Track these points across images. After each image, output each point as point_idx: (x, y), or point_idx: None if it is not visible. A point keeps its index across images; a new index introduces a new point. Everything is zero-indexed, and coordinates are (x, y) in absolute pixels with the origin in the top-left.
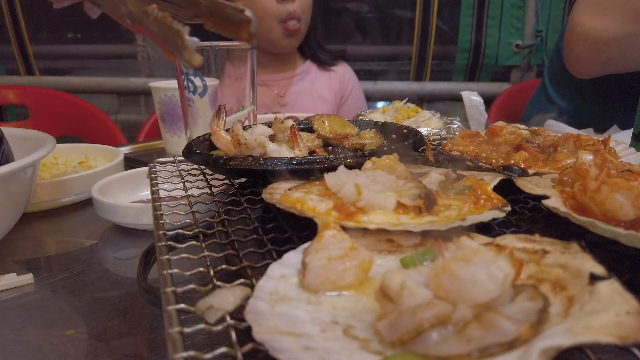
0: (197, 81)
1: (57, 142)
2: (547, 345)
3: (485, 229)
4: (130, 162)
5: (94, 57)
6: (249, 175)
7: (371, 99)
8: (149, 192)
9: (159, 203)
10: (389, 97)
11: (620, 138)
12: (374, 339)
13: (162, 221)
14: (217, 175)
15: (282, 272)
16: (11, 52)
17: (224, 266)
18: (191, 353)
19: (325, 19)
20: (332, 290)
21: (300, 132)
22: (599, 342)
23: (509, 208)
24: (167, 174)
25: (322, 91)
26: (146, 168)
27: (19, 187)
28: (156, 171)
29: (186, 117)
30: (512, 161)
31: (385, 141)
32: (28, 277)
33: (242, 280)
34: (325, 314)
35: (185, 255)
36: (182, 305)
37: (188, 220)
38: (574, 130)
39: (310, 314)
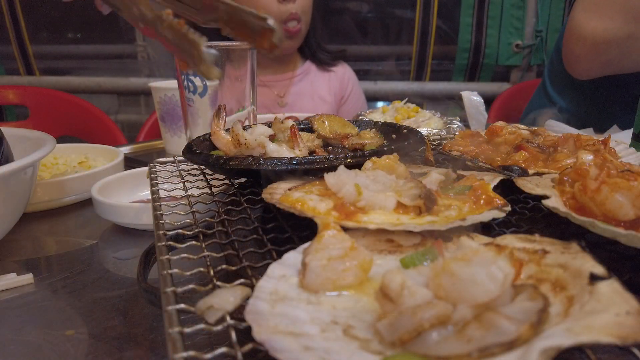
0: (197, 81)
1: (57, 142)
2: (547, 345)
3: (485, 229)
4: (130, 162)
5: (94, 57)
6: (249, 175)
7: (371, 99)
8: (149, 192)
9: (159, 203)
10: (389, 97)
11: (620, 138)
12: (374, 339)
13: (162, 221)
14: (217, 175)
15: (282, 272)
16: (11, 52)
17: (224, 266)
18: (191, 353)
19: (325, 19)
20: (332, 290)
21: (300, 132)
22: (599, 342)
23: (509, 208)
24: (167, 174)
25: (322, 92)
26: (146, 168)
27: (19, 187)
28: (156, 171)
29: (186, 117)
30: (512, 161)
31: (385, 141)
32: (28, 277)
33: (242, 280)
34: (325, 314)
35: (185, 255)
36: (182, 305)
37: (188, 220)
38: (574, 130)
39: (310, 314)
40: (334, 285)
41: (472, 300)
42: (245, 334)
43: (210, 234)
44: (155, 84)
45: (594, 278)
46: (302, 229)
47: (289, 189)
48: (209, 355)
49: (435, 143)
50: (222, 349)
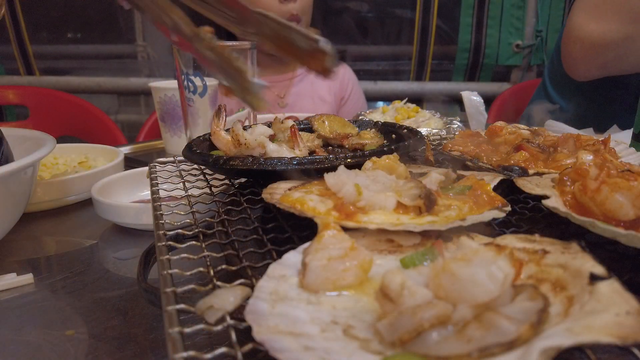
0: (197, 81)
1: (57, 142)
2: (547, 345)
3: (485, 229)
4: (130, 162)
5: (94, 57)
6: (249, 175)
7: (371, 99)
8: (149, 192)
9: (159, 203)
10: (389, 97)
11: (620, 138)
12: (374, 339)
13: (162, 221)
14: (217, 175)
15: (282, 272)
16: (11, 52)
17: (224, 266)
18: (191, 353)
19: (325, 19)
20: (332, 290)
21: (300, 132)
22: (599, 342)
23: (509, 208)
24: (167, 174)
25: (322, 92)
26: (146, 168)
27: (19, 187)
28: (156, 171)
29: (186, 117)
30: (512, 161)
31: (385, 141)
32: (28, 277)
33: (242, 280)
34: (325, 314)
35: (185, 255)
36: (182, 305)
37: (188, 220)
38: (574, 130)
39: (310, 314)
40: (334, 285)
41: (472, 300)
42: (245, 334)
43: (210, 234)
44: (155, 84)
45: (594, 278)
46: (302, 229)
47: (289, 189)
48: (209, 355)
49: (435, 143)
50: (222, 349)
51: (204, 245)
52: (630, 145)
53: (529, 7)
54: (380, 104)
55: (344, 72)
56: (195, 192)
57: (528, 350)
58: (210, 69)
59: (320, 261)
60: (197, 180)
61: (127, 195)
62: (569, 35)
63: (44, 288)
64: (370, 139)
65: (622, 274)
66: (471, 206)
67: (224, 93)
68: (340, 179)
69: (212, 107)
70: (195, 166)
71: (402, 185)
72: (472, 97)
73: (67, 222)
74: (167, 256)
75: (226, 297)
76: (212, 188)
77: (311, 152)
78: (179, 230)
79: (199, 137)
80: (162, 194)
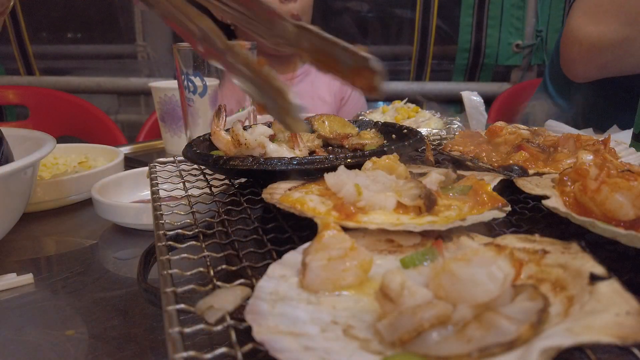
0: (197, 81)
1: (57, 142)
2: (547, 345)
3: (485, 229)
4: (130, 162)
5: (94, 57)
6: (249, 175)
7: (371, 99)
8: (149, 192)
9: (159, 203)
10: (389, 97)
11: (620, 138)
12: (374, 339)
13: (162, 221)
14: (217, 175)
15: (282, 272)
16: (11, 52)
17: (224, 266)
18: (191, 353)
19: (325, 19)
20: (332, 290)
21: (300, 132)
22: (599, 342)
23: (509, 208)
24: (167, 174)
25: (322, 93)
26: (146, 168)
27: (19, 187)
28: (156, 171)
29: (186, 117)
30: (512, 161)
31: (385, 141)
32: (28, 277)
33: (242, 280)
34: (325, 314)
35: (185, 255)
36: (182, 305)
37: (188, 220)
38: (574, 130)
39: (310, 314)
40: (334, 285)
41: (472, 300)
42: (245, 334)
43: (210, 234)
44: (155, 84)
45: (594, 278)
46: (302, 229)
47: (289, 189)
48: (209, 355)
49: (435, 143)
50: (222, 349)
51: (204, 245)
52: (630, 145)
53: (529, 7)
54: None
55: None
56: (195, 192)
57: (528, 350)
58: (243, 84)
59: (320, 261)
60: (197, 180)
61: (127, 195)
62: (567, 37)
63: (44, 288)
64: (370, 139)
65: (622, 274)
66: (471, 206)
67: (259, 111)
68: (340, 179)
69: (212, 107)
70: (195, 166)
71: (402, 185)
72: (472, 97)
73: (67, 222)
74: (167, 256)
75: (226, 297)
76: (212, 188)
77: (311, 152)
78: (179, 230)
79: (199, 137)
80: (162, 194)
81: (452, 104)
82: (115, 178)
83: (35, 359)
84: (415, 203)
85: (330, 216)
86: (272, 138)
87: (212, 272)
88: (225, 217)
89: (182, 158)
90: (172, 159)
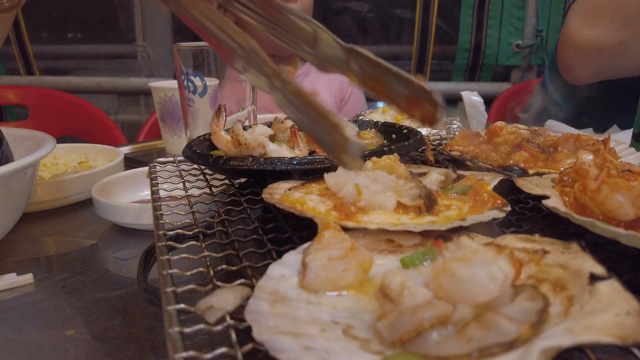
0: (197, 81)
1: (57, 142)
2: (547, 345)
3: (485, 229)
4: (130, 162)
5: (94, 57)
6: (249, 175)
7: (371, 99)
8: (149, 192)
9: (159, 203)
10: None
11: (620, 138)
12: (374, 339)
13: (162, 221)
14: (217, 175)
15: (282, 272)
16: (11, 52)
17: (224, 266)
18: (191, 353)
19: (325, 19)
20: (332, 290)
21: (300, 132)
22: (599, 342)
23: (509, 208)
24: (167, 174)
25: (323, 93)
26: (146, 168)
27: (19, 187)
28: (156, 171)
29: (186, 117)
30: (512, 161)
31: (385, 141)
32: (28, 277)
33: (242, 280)
34: (325, 314)
35: (185, 255)
36: (182, 305)
37: (188, 220)
38: (574, 130)
39: (310, 314)
40: (334, 285)
41: (472, 300)
42: (245, 334)
43: (210, 234)
44: (155, 84)
45: (594, 278)
46: (302, 229)
47: (289, 189)
48: (209, 355)
49: (435, 143)
50: (222, 349)
51: (204, 245)
52: (630, 145)
53: (529, 7)
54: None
55: None
56: (195, 192)
57: (528, 350)
58: (290, 113)
59: (320, 261)
60: (197, 180)
61: (127, 195)
62: (564, 40)
63: (44, 288)
64: (370, 139)
65: (622, 274)
66: (471, 206)
67: (308, 142)
68: (341, 179)
69: (212, 107)
70: (195, 166)
71: (402, 185)
72: (472, 97)
73: (67, 222)
74: (167, 256)
75: (226, 297)
76: (212, 188)
77: (311, 152)
78: (179, 230)
79: (199, 137)
80: (162, 194)
81: (452, 104)
82: (115, 178)
83: (35, 359)
84: (415, 203)
85: (330, 216)
86: (272, 138)
87: (212, 272)
88: (225, 217)
89: (182, 158)
90: (172, 159)
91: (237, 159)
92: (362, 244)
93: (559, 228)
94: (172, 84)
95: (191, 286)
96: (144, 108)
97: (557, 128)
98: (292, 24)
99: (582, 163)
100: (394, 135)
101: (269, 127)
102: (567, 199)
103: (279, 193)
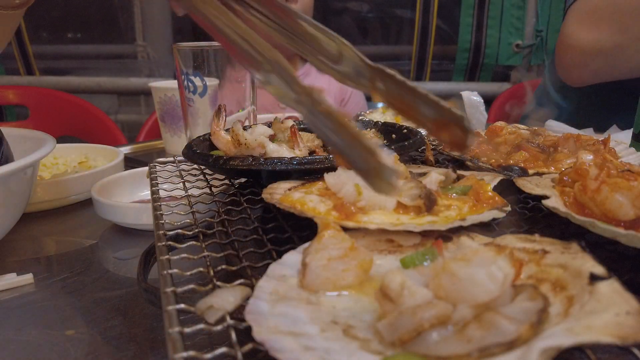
0: (197, 81)
1: (57, 142)
2: (547, 345)
3: (485, 229)
4: (130, 162)
5: (94, 57)
6: (249, 175)
7: (371, 99)
8: (149, 192)
9: (159, 203)
10: None
11: (620, 138)
12: (374, 339)
13: (162, 221)
14: (217, 175)
15: (282, 272)
16: (11, 52)
17: (224, 266)
18: (191, 353)
19: (325, 19)
20: (332, 290)
21: (300, 132)
22: (599, 342)
23: (509, 208)
24: (167, 174)
25: None
26: (146, 168)
27: (19, 187)
28: (156, 171)
29: (186, 117)
30: (512, 161)
31: (385, 141)
32: (28, 277)
33: (242, 280)
34: (325, 314)
35: (185, 255)
36: (182, 305)
37: (188, 220)
38: (574, 130)
39: (310, 314)
40: (334, 285)
41: (472, 300)
42: (245, 334)
43: (210, 234)
44: (155, 84)
45: (594, 278)
46: (302, 229)
47: (289, 189)
48: (209, 355)
49: (435, 143)
50: (222, 349)
51: (204, 245)
52: (630, 145)
53: (529, 7)
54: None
55: None
56: (195, 192)
57: (528, 350)
58: (319, 134)
59: (320, 261)
60: (197, 180)
61: (127, 195)
62: (561, 43)
63: (44, 288)
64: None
65: (622, 274)
66: (471, 206)
67: (340, 164)
68: (340, 179)
69: (212, 107)
70: (195, 166)
71: (402, 185)
72: (472, 97)
73: (67, 222)
74: (167, 256)
75: (226, 297)
76: (212, 188)
77: (311, 152)
78: (179, 230)
79: (199, 137)
80: (162, 194)
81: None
82: (115, 178)
83: (35, 359)
84: (415, 203)
85: (330, 216)
86: (272, 138)
87: (212, 272)
88: (225, 217)
89: (182, 158)
90: (172, 159)
91: (237, 159)
92: (362, 244)
93: (559, 228)
94: (172, 84)
95: (191, 286)
96: (144, 108)
97: (557, 128)
98: (314, 39)
99: (582, 163)
100: (394, 135)
101: (269, 127)
102: (567, 199)
103: (279, 193)
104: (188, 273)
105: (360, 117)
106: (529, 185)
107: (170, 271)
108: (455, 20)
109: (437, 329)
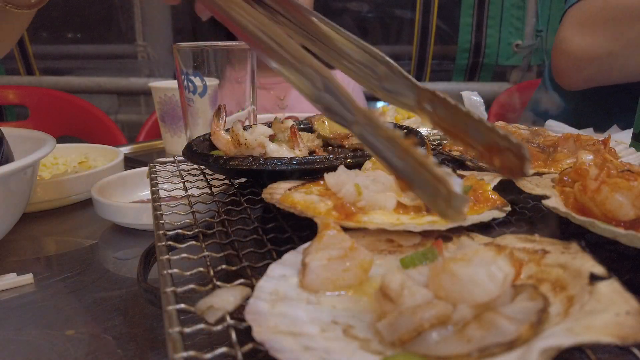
0: (197, 81)
1: (57, 142)
2: (547, 345)
3: (485, 229)
4: (130, 162)
5: (94, 57)
6: (249, 175)
7: (371, 99)
8: (149, 192)
9: (159, 203)
10: None
11: (620, 138)
12: (374, 339)
13: (162, 221)
14: (217, 175)
15: (282, 272)
16: (11, 52)
17: (224, 266)
18: (191, 353)
19: None
20: (332, 290)
21: (300, 132)
22: (599, 342)
23: (509, 208)
24: (167, 174)
25: None
26: (146, 168)
27: (19, 187)
28: (156, 171)
29: (186, 117)
30: None
31: None
32: (28, 277)
33: (242, 280)
34: (325, 314)
35: (185, 255)
36: (182, 305)
37: (188, 220)
38: (574, 130)
39: (310, 314)
40: (334, 285)
41: (472, 300)
42: (245, 334)
43: (210, 234)
44: (155, 84)
45: (594, 278)
46: (302, 229)
47: (289, 189)
48: (209, 355)
49: (435, 143)
50: (222, 349)
51: (204, 245)
52: (630, 145)
53: (529, 7)
54: (380, 104)
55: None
56: (195, 192)
57: (528, 350)
58: (378, 158)
59: (320, 261)
60: (197, 180)
61: (127, 195)
62: (556, 48)
63: (44, 288)
64: None
65: (622, 274)
66: (471, 206)
67: (403, 189)
68: (340, 179)
69: (212, 107)
70: (195, 166)
71: None
72: (472, 97)
73: (67, 222)
74: (167, 256)
75: (226, 297)
76: (212, 188)
77: (311, 152)
78: (179, 230)
79: (199, 137)
80: (162, 194)
81: None
82: (115, 178)
83: (35, 359)
84: (415, 203)
85: (330, 216)
86: (272, 138)
87: (212, 272)
88: (225, 217)
89: (182, 158)
90: (172, 159)
91: (237, 159)
92: (362, 244)
93: (559, 228)
94: (172, 84)
95: (191, 286)
96: (144, 108)
97: (557, 128)
98: (357, 58)
99: (582, 163)
100: None
101: (269, 127)
102: (567, 199)
103: (279, 193)
104: (188, 273)
105: None
106: (529, 185)
107: (170, 271)
108: (455, 20)
109: (437, 329)
